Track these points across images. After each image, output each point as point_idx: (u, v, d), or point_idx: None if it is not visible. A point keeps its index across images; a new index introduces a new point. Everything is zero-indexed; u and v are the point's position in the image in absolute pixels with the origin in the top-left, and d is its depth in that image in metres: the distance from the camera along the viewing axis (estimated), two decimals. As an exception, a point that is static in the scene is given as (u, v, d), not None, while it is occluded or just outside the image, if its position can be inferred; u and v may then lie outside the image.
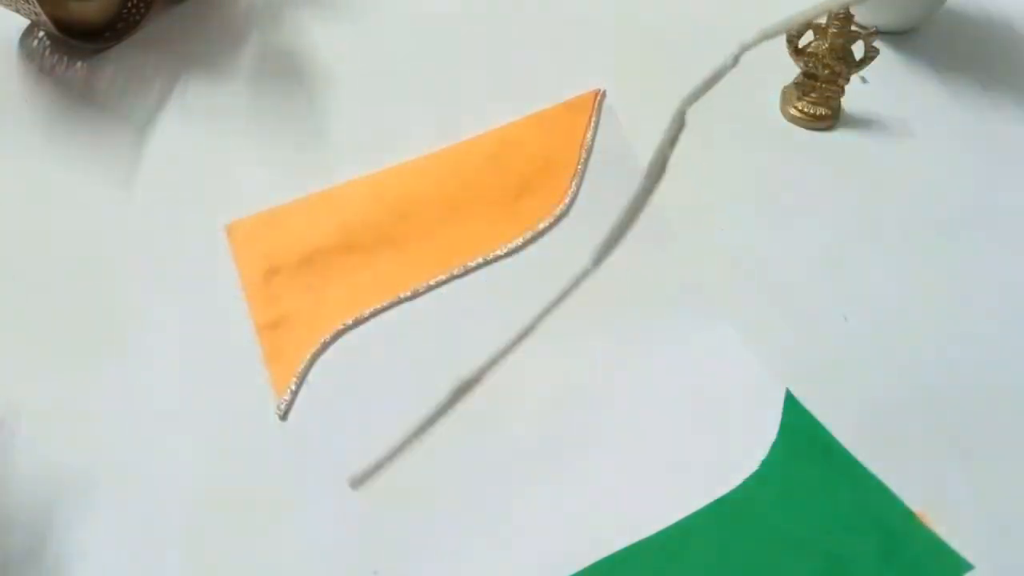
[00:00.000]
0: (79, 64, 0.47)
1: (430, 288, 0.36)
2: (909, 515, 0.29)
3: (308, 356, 0.35)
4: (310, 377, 0.34)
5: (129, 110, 0.45)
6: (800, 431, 0.32)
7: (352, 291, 0.36)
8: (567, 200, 0.39)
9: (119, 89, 0.46)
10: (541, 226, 0.38)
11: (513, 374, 0.26)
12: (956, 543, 0.28)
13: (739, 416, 0.33)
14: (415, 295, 0.36)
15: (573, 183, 0.39)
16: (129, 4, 0.49)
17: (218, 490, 0.31)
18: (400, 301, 0.36)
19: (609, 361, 0.35)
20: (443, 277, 0.37)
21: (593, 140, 0.40)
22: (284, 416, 0.33)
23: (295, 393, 0.34)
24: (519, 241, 0.38)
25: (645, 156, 0.38)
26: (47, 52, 0.48)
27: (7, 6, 0.44)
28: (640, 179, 0.36)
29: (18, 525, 0.31)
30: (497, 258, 0.37)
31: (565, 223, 0.38)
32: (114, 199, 0.41)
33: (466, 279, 0.37)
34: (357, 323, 0.35)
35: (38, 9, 0.42)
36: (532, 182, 0.39)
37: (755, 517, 0.29)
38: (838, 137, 0.46)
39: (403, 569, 0.29)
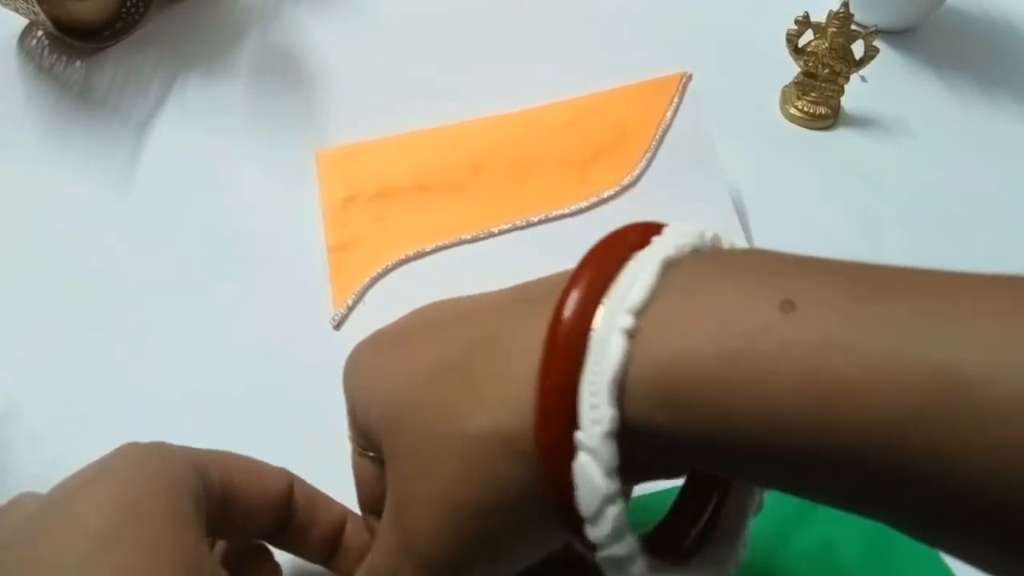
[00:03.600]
0: (78, 63, 0.47)
1: (491, 235, 0.38)
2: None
3: (368, 278, 0.37)
4: (367, 297, 0.37)
5: (128, 109, 0.45)
6: None
7: (418, 227, 0.39)
8: (636, 173, 0.40)
9: (118, 88, 0.46)
10: (606, 194, 0.39)
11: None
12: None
13: None
14: (475, 239, 0.38)
15: (645, 158, 0.40)
16: (128, 3, 0.48)
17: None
18: (461, 243, 0.38)
19: None
20: (505, 227, 0.39)
21: (672, 120, 0.40)
22: (338, 326, 0.36)
23: (351, 308, 0.37)
24: (583, 204, 0.39)
25: (720, 143, 0.39)
26: (46, 51, 0.48)
27: (6, 5, 0.44)
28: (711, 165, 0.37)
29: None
30: (559, 217, 0.39)
31: (629, 194, 0.39)
32: (113, 197, 0.41)
33: (526, 232, 0.39)
34: (418, 256, 0.38)
35: (37, 8, 0.42)
36: (605, 151, 0.40)
37: None
38: (838, 136, 0.46)
39: None
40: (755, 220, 0.41)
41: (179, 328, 0.37)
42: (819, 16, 0.43)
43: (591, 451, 0.17)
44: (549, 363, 0.18)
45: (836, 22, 0.43)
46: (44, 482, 0.21)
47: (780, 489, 0.17)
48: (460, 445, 0.19)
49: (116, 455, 0.22)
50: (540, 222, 0.39)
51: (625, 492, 0.18)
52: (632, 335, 0.17)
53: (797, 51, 0.44)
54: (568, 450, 0.17)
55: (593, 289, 0.18)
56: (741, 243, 0.38)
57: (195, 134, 0.44)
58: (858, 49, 0.44)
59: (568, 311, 0.18)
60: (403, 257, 0.38)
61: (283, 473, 0.26)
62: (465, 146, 0.41)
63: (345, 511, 0.27)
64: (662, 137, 0.40)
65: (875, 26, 0.44)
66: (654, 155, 0.40)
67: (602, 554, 0.18)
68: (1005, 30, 0.52)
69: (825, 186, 0.43)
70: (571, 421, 0.17)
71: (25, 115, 0.45)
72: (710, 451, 0.17)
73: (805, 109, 0.46)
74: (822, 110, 0.45)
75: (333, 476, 0.27)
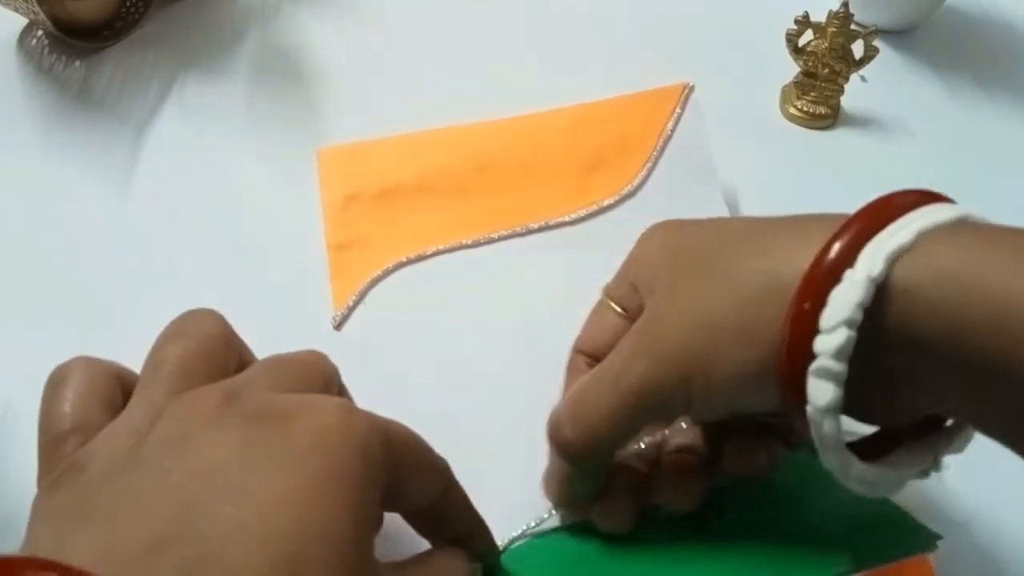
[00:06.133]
0: (77, 63, 0.47)
1: (491, 241, 0.39)
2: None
3: (369, 279, 0.37)
4: (368, 298, 0.37)
5: (127, 109, 0.45)
6: None
7: (419, 229, 0.39)
8: (636, 183, 0.40)
9: (117, 88, 0.46)
10: (605, 203, 0.39)
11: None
12: (923, 517, 0.28)
13: None
14: (476, 244, 0.39)
15: (645, 167, 0.40)
16: (127, 3, 0.48)
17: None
18: (461, 247, 0.38)
19: None
20: (505, 233, 0.39)
21: (673, 130, 0.41)
22: (338, 327, 0.36)
23: (352, 308, 0.37)
24: (581, 213, 0.39)
25: (720, 155, 0.39)
26: (45, 51, 0.48)
27: (5, 5, 0.44)
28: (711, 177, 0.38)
29: (19, 522, 0.30)
30: (558, 225, 0.39)
31: (628, 204, 0.40)
32: (113, 197, 0.41)
33: (525, 238, 0.39)
34: (419, 259, 0.38)
35: (36, 8, 0.42)
36: (606, 159, 0.40)
37: None
38: (838, 136, 0.46)
39: None
40: (755, 220, 0.41)
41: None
42: (819, 16, 0.43)
43: (854, 283, 0.20)
44: (846, 227, 0.21)
45: (836, 22, 0.43)
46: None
47: (983, 422, 0.21)
48: (733, 274, 0.23)
49: (313, 426, 0.20)
50: (540, 229, 0.39)
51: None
52: (926, 235, 0.21)
53: (797, 51, 0.44)
54: (830, 287, 0.21)
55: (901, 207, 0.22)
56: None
57: (195, 134, 0.44)
58: (858, 49, 0.44)
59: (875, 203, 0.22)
60: (403, 259, 0.38)
61: (444, 464, 0.24)
62: (468, 148, 0.41)
63: (479, 528, 0.26)
64: (663, 148, 0.40)
65: (875, 26, 0.44)
66: (654, 166, 0.40)
67: (818, 364, 0.21)
68: (1005, 30, 0.52)
69: (825, 186, 0.43)
70: (843, 270, 0.21)
71: (25, 115, 0.45)
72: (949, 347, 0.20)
73: (805, 109, 0.46)
74: (822, 110, 0.45)
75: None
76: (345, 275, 0.38)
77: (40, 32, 0.48)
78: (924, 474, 0.24)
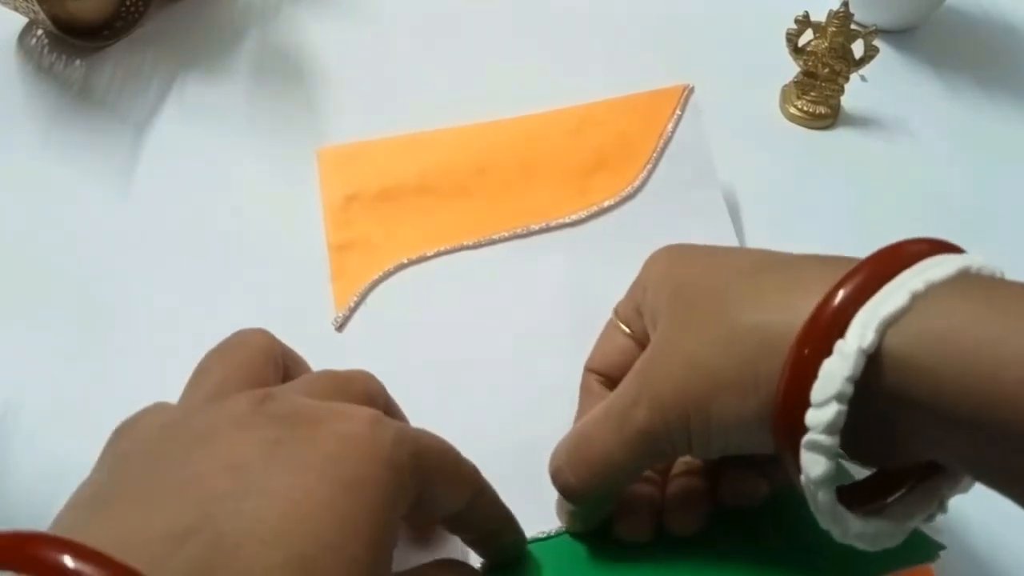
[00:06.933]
0: (77, 62, 0.47)
1: (492, 242, 0.39)
2: None
3: (371, 280, 0.37)
4: (369, 299, 0.37)
5: (127, 108, 0.45)
6: None
7: (421, 230, 0.39)
8: (636, 184, 0.40)
9: (117, 87, 0.46)
10: (606, 204, 0.39)
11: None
12: (926, 527, 0.28)
13: None
14: (477, 246, 0.39)
15: (645, 169, 0.40)
16: (127, 2, 0.48)
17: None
18: (462, 248, 0.39)
19: None
20: (506, 234, 0.39)
21: (673, 132, 0.41)
22: (340, 328, 0.36)
23: (353, 310, 0.37)
24: (582, 214, 0.39)
25: (720, 155, 0.39)
26: (45, 50, 0.48)
27: (5, 4, 0.44)
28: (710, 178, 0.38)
29: (19, 521, 0.31)
30: (559, 226, 0.39)
31: (628, 205, 0.40)
32: (113, 197, 0.41)
33: (526, 240, 0.39)
34: (420, 260, 0.38)
35: (36, 7, 0.42)
36: (607, 161, 0.41)
37: None
38: (838, 136, 0.46)
39: None
40: (754, 219, 0.41)
41: (179, 328, 0.37)
42: (819, 16, 0.43)
43: (844, 356, 0.20)
44: (840, 285, 0.21)
45: (836, 22, 0.43)
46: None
47: (980, 472, 0.21)
48: (730, 323, 0.23)
49: (340, 433, 0.20)
50: (540, 230, 0.39)
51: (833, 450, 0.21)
52: (921, 297, 0.21)
53: (797, 50, 0.44)
54: (821, 355, 0.21)
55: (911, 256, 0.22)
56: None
57: (195, 134, 0.44)
58: (858, 49, 0.44)
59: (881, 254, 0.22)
60: (404, 261, 0.38)
61: (475, 472, 0.24)
62: (468, 149, 0.41)
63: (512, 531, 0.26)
64: (663, 149, 0.40)
65: (875, 26, 0.44)
66: (654, 167, 0.40)
67: (809, 438, 0.21)
68: (1005, 30, 0.52)
69: (824, 185, 0.43)
70: (835, 337, 0.21)
71: (25, 114, 0.45)
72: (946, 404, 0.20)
73: (805, 108, 0.46)
74: (822, 109, 0.45)
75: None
76: (346, 276, 0.38)
77: (40, 31, 0.48)
78: (930, 518, 0.24)
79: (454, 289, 0.37)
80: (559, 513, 0.29)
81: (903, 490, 0.24)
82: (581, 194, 0.40)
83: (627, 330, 0.30)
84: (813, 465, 0.21)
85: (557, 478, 0.27)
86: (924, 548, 0.26)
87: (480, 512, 0.25)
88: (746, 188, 0.42)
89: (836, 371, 0.20)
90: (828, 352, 0.21)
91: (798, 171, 0.44)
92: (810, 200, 0.42)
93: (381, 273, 0.38)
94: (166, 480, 0.19)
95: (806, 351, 0.21)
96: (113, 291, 0.38)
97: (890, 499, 0.24)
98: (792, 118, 0.46)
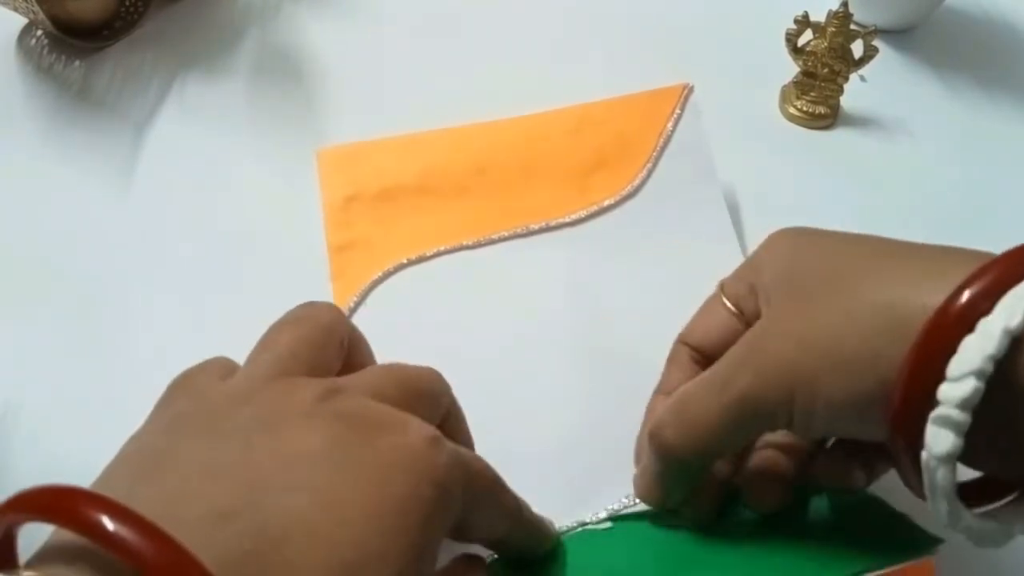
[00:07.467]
0: (77, 62, 0.47)
1: (492, 242, 0.39)
2: (874, 498, 0.29)
3: (371, 280, 0.37)
4: (369, 299, 0.37)
5: (127, 108, 0.45)
6: None
7: (421, 230, 0.39)
8: (636, 183, 0.40)
9: (117, 87, 0.46)
10: (606, 203, 0.39)
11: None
12: (925, 521, 0.28)
13: None
14: (477, 245, 0.39)
15: (645, 168, 0.40)
16: (127, 2, 0.48)
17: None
18: (462, 248, 0.38)
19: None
20: (506, 234, 0.39)
21: (673, 131, 0.41)
22: None
23: (353, 310, 0.37)
24: (582, 214, 0.39)
25: (719, 155, 0.39)
26: (45, 51, 0.48)
27: (5, 5, 0.44)
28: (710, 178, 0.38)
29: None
30: (559, 226, 0.39)
31: (628, 205, 0.40)
32: (112, 197, 0.41)
33: (526, 239, 0.39)
34: (420, 260, 0.38)
35: (36, 8, 0.42)
36: (607, 160, 0.41)
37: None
38: (837, 136, 0.46)
39: None
40: (754, 219, 0.41)
41: (179, 328, 0.37)
42: (818, 16, 0.43)
43: (987, 334, 0.20)
44: (984, 271, 0.21)
45: (835, 22, 0.43)
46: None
47: None
48: (853, 303, 0.23)
49: (399, 445, 0.20)
50: (540, 230, 0.39)
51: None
52: None
53: (796, 51, 0.44)
54: (962, 331, 0.20)
55: None
56: (735, 254, 0.38)
57: (195, 134, 0.44)
58: (857, 49, 0.44)
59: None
60: (404, 261, 0.38)
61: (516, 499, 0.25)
62: (468, 149, 0.41)
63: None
64: (663, 148, 0.40)
65: (874, 26, 0.44)
66: (654, 166, 0.40)
67: (940, 412, 0.20)
68: (1005, 30, 0.52)
69: (824, 185, 0.43)
70: (978, 316, 0.20)
71: (24, 114, 0.45)
72: None
73: (804, 109, 0.46)
74: (821, 110, 0.45)
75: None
76: (346, 276, 0.38)
77: (40, 32, 0.48)
78: None
79: (454, 289, 0.37)
80: (641, 480, 0.28)
81: (1014, 494, 0.23)
82: (581, 194, 0.40)
83: (733, 308, 0.29)
84: (941, 440, 0.20)
85: (655, 436, 0.27)
86: (924, 542, 0.26)
87: (515, 542, 0.25)
88: (746, 188, 0.42)
89: (980, 347, 0.20)
90: (970, 329, 0.20)
91: (798, 171, 0.44)
92: (810, 200, 0.42)
93: (381, 273, 0.38)
94: (223, 459, 0.19)
95: (944, 324, 0.21)
96: (113, 291, 0.38)
97: (999, 503, 0.23)
98: (792, 118, 0.46)
